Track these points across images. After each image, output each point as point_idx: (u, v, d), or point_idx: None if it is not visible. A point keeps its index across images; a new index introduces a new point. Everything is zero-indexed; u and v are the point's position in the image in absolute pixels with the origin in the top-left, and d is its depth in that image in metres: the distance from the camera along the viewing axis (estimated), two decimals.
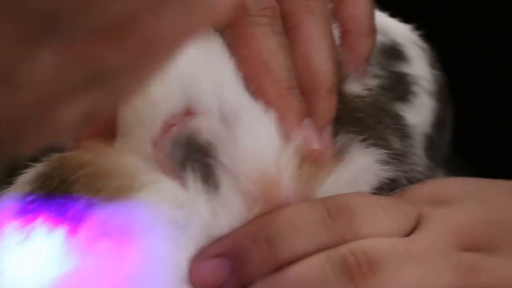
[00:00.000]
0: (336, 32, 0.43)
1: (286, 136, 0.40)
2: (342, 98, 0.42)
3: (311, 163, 0.40)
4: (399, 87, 0.46)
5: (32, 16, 0.21)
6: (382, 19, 0.47)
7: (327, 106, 0.41)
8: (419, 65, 0.47)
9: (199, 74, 0.40)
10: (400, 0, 0.49)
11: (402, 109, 0.45)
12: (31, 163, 0.39)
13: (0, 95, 0.22)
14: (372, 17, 0.44)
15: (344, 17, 0.44)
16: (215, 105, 0.40)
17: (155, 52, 0.24)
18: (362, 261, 0.37)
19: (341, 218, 0.39)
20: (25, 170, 0.39)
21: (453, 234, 0.40)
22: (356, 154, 0.41)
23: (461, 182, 0.44)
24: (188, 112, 0.40)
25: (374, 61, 0.45)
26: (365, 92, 0.43)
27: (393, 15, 0.48)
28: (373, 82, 0.44)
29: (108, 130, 0.40)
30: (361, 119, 0.42)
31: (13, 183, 0.39)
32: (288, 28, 0.41)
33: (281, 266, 0.38)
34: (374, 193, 0.42)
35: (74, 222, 0.38)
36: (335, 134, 0.41)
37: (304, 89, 0.41)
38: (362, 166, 0.41)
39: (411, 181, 0.43)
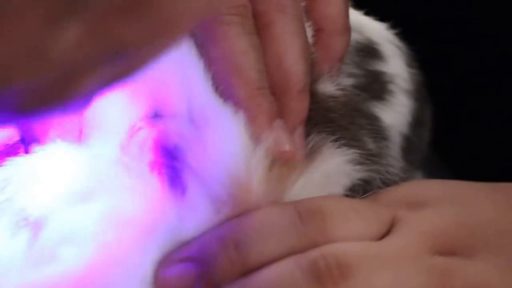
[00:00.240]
0: (309, 31, 0.42)
1: (256, 137, 0.39)
2: (315, 98, 0.41)
3: (282, 165, 0.39)
4: (375, 86, 0.45)
5: None
6: (357, 17, 0.46)
7: (299, 106, 0.40)
8: (395, 64, 0.46)
9: (168, 76, 0.39)
10: None
11: (378, 108, 0.44)
12: None
13: (31, 65, 0.24)
14: (346, 16, 0.43)
15: (317, 15, 0.43)
16: (184, 108, 0.39)
17: (170, 30, 0.26)
18: (333, 265, 0.37)
19: (312, 222, 0.38)
20: None
21: (428, 238, 0.39)
22: (328, 155, 0.40)
23: (438, 185, 0.43)
24: (157, 115, 0.39)
25: (349, 59, 0.44)
26: (338, 92, 0.42)
27: (368, 13, 0.47)
28: (348, 81, 0.44)
29: (75, 133, 0.40)
30: (334, 119, 0.41)
31: None
32: (259, 27, 0.40)
33: (249, 271, 0.37)
34: (347, 195, 0.41)
35: (36, 228, 0.38)
36: (307, 134, 0.41)
37: (276, 89, 0.40)
38: (333, 167, 0.40)
39: (386, 183, 0.42)
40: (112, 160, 0.38)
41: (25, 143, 0.40)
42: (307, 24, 0.42)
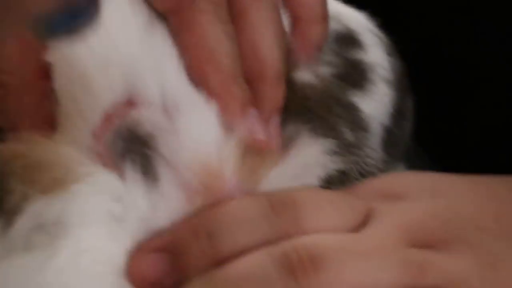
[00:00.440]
0: (286, 20, 0.42)
1: (229, 126, 0.38)
2: (292, 87, 0.41)
3: (255, 154, 0.39)
4: (354, 75, 0.44)
5: None
6: (336, 6, 0.45)
7: (274, 94, 0.40)
8: (375, 53, 0.45)
9: (142, 64, 0.39)
10: None
11: (357, 97, 0.43)
12: None
13: None
14: (324, 4, 0.42)
15: (294, 3, 0.42)
16: (157, 96, 0.38)
17: None
18: (305, 257, 0.36)
19: (285, 213, 0.38)
20: None
21: (403, 230, 0.38)
22: (304, 145, 0.40)
23: (416, 177, 0.42)
24: (130, 103, 0.39)
25: (328, 48, 0.43)
26: (315, 81, 0.42)
27: (346, 2, 0.46)
28: (327, 70, 0.43)
29: (48, 122, 0.39)
30: (311, 108, 0.41)
31: None
32: (234, 15, 0.40)
33: (221, 262, 0.37)
34: (323, 186, 0.40)
35: (9, 215, 0.37)
36: (283, 123, 0.40)
37: (251, 78, 0.40)
38: (309, 157, 0.40)
39: (363, 175, 0.41)
40: (85, 148, 0.38)
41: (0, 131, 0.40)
42: (284, 12, 0.41)
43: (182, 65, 0.39)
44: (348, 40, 0.45)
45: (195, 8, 0.39)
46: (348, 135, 0.42)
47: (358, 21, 0.45)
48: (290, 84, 0.41)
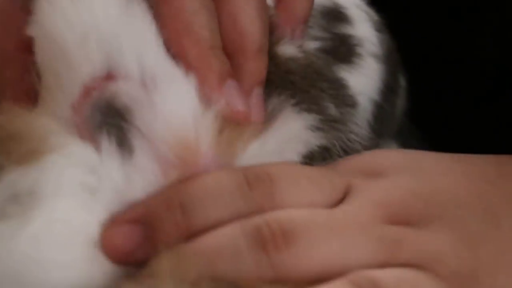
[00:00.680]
0: None
1: (207, 99, 0.38)
2: (275, 60, 0.40)
3: (234, 128, 0.38)
4: (341, 49, 0.43)
5: None
6: None
7: (255, 66, 0.39)
8: (363, 27, 0.44)
9: (121, 37, 0.38)
10: None
11: (345, 71, 0.43)
12: None
13: None
14: None
15: None
16: (136, 69, 0.38)
17: None
18: (277, 232, 0.36)
19: (260, 187, 0.37)
20: None
21: (380, 207, 0.38)
22: (286, 120, 0.39)
23: (397, 154, 0.41)
24: (109, 76, 0.38)
25: (315, 23, 0.42)
26: (299, 55, 0.41)
27: None
28: (314, 45, 0.42)
29: (29, 95, 0.39)
30: (294, 81, 0.40)
31: None
32: None
33: (194, 235, 0.37)
34: (304, 162, 0.40)
35: None
36: (267, 97, 0.39)
37: (231, 50, 0.39)
38: (290, 132, 0.39)
39: (346, 151, 0.41)
40: (63, 120, 0.38)
41: None
42: None
43: (160, 38, 0.38)
44: (335, 14, 0.44)
45: None
46: (332, 110, 0.41)
47: None
48: (274, 58, 0.40)
